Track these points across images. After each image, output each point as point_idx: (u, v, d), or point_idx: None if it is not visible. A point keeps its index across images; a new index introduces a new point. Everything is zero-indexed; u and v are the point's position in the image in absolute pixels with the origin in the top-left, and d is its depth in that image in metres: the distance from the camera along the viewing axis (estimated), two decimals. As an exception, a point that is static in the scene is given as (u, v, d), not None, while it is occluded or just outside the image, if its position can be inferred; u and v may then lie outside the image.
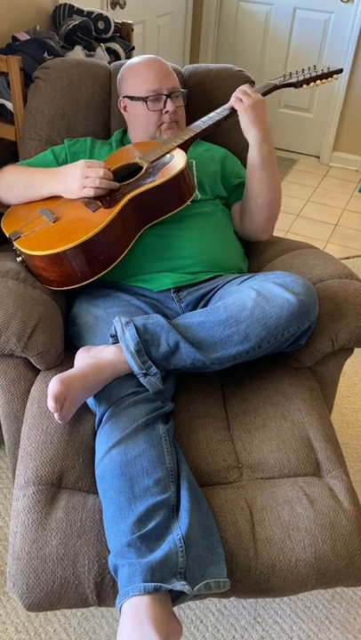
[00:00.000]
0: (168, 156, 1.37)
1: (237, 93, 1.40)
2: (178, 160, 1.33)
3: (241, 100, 1.39)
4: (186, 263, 1.36)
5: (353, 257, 2.79)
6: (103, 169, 1.29)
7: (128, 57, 2.00)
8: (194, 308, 1.31)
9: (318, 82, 1.58)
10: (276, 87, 1.54)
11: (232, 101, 1.42)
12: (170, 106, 1.45)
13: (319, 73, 1.57)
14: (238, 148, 1.61)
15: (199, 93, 1.64)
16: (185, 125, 1.52)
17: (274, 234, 1.74)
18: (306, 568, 0.99)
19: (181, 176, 1.31)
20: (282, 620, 1.34)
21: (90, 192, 1.28)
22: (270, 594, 1.01)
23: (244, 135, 1.41)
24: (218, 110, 1.46)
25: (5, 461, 1.65)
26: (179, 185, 1.32)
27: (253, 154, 1.41)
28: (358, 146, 3.59)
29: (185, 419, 1.19)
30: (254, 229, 1.51)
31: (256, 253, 1.57)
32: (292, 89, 3.51)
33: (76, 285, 1.26)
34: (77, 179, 1.29)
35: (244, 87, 1.41)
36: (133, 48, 2.05)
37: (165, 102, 1.46)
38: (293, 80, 1.56)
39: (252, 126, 1.38)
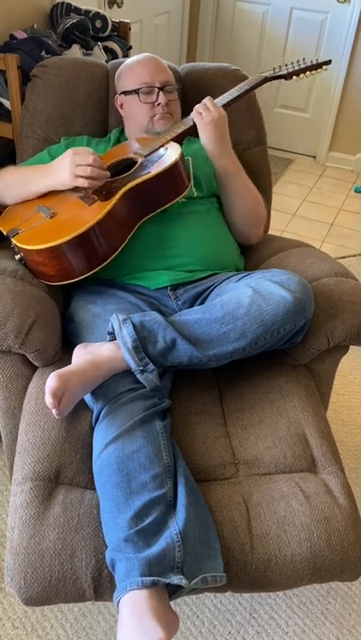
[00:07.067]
0: (162, 149, 1.38)
1: (198, 107, 1.41)
2: (172, 152, 1.35)
3: (201, 114, 1.39)
4: (183, 261, 1.37)
5: (348, 256, 2.80)
6: (92, 155, 1.28)
7: (125, 56, 2.01)
8: (191, 306, 1.32)
9: (308, 73, 1.60)
10: (267, 79, 1.55)
11: (193, 114, 1.42)
12: (162, 98, 1.47)
13: (308, 64, 1.59)
14: (237, 147, 1.62)
15: (196, 92, 1.65)
16: (180, 120, 1.52)
17: (270, 232, 1.75)
18: (301, 563, 1.00)
19: (176, 167, 1.32)
20: (278, 616, 1.35)
21: (84, 182, 1.27)
22: (266, 588, 1.02)
23: (204, 147, 1.42)
24: (185, 119, 1.46)
25: (2, 458, 1.65)
26: (174, 176, 1.33)
27: (215, 167, 1.44)
28: (354, 146, 3.61)
29: (182, 415, 1.19)
30: (239, 234, 1.53)
31: (252, 252, 1.58)
32: (289, 89, 3.58)
33: (74, 279, 1.26)
34: (67, 166, 1.28)
35: (206, 101, 1.41)
36: (131, 47, 2.06)
37: (158, 95, 1.47)
38: (283, 72, 1.57)
39: (210, 142, 1.40)
